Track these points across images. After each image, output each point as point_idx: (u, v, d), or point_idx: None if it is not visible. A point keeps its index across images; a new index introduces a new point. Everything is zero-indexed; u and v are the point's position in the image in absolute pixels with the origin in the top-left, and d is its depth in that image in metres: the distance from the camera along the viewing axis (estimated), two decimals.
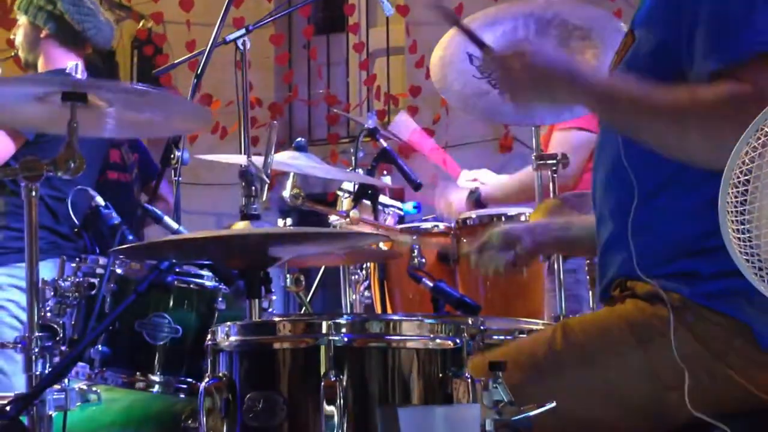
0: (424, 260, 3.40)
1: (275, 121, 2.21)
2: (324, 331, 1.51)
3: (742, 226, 1.24)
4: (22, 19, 3.67)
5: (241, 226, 2.00)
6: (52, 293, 2.49)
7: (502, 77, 1.92)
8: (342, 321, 1.52)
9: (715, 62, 1.75)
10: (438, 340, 1.54)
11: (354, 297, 3.64)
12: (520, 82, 1.88)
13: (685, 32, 1.80)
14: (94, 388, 2.40)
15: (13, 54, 3.86)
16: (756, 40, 1.73)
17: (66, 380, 2.28)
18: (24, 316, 3.35)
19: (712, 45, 1.77)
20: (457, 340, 1.56)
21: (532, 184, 3.13)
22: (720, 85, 1.72)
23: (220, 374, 1.57)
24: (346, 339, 1.50)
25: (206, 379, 1.57)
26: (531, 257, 2.46)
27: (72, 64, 2.37)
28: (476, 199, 3.85)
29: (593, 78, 1.85)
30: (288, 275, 3.14)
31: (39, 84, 2.28)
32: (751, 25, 1.74)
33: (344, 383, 1.48)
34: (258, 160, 2.19)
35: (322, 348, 1.49)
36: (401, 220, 3.89)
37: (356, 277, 3.63)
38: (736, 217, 1.24)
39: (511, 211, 3.31)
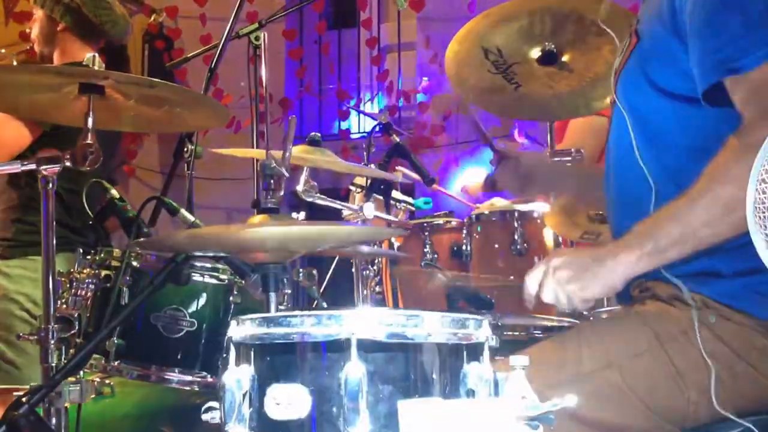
0: (436, 255, 3.40)
1: (293, 116, 2.20)
2: (347, 324, 1.50)
3: None
4: (39, 13, 3.66)
5: (257, 220, 1.99)
6: (68, 285, 2.48)
7: (551, 285, 1.85)
8: (364, 314, 1.51)
9: (707, 81, 1.76)
10: (460, 335, 1.54)
11: (365, 292, 3.63)
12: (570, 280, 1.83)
13: (681, 39, 1.81)
14: (108, 381, 2.41)
15: (27, 48, 3.85)
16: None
17: (81, 372, 2.28)
18: (34, 309, 3.36)
19: (702, 63, 1.77)
20: (479, 335, 1.56)
21: None
22: (720, 153, 1.72)
23: (241, 367, 1.57)
24: (368, 332, 1.49)
25: (226, 372, 1.57)
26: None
27: (89, 56, 2.35)
28: (492, 182, 3.85)
29: (631, 244, 1.79)
30: (300, 270, 3.13)
31: (61, 75, 2.27)
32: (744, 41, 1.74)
33: (366, 377, 1.47)
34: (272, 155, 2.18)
35: (345, 341, 1.48)
36: (412, 215, 3.88)
37: (368, 272, 3.62)
38: (763, 212, 1.24)
39: (524, 207, 3.31)
